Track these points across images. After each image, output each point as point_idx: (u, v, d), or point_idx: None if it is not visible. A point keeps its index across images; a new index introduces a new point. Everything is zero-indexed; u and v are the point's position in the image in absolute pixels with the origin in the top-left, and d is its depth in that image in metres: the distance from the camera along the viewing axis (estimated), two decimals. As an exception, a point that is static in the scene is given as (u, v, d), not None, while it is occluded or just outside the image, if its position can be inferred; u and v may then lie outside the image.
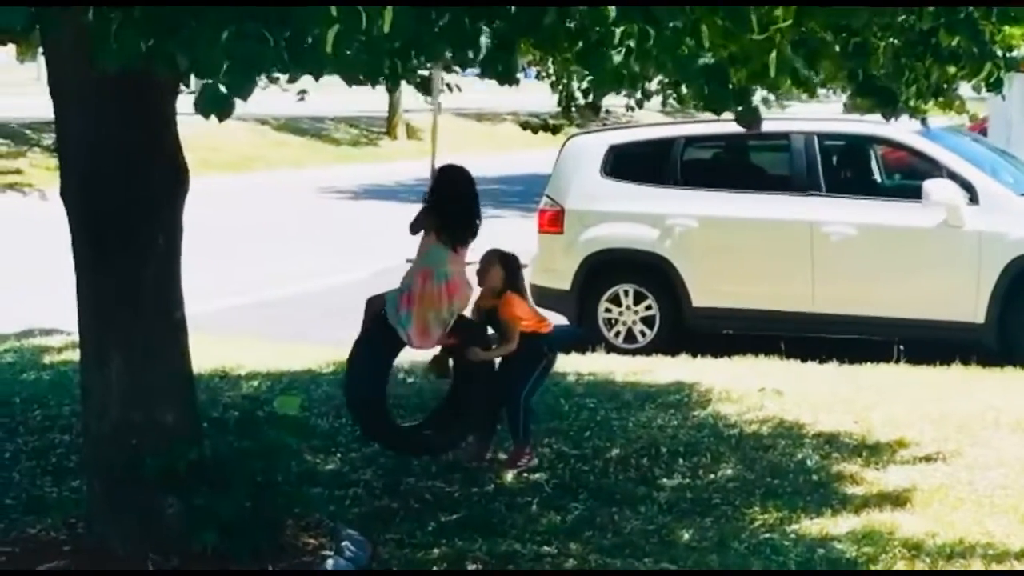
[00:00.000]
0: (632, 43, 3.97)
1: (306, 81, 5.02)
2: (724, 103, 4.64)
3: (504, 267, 7.40)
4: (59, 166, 5.56)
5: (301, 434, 5.72)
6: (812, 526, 6.37)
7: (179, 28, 3.68)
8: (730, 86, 4.61)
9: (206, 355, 8.70)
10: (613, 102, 11.77)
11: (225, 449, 5.60)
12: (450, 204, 7.22)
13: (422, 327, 7.11)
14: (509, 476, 7.14)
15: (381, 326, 7.19)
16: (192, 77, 3.96)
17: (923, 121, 7.05)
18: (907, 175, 11.97)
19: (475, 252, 7.43)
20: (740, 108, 4.72)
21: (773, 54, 4.73)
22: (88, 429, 5.71)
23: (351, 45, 3.67)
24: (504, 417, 7.47)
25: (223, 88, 3.62)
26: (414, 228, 7.30)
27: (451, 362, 7.57)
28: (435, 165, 7.36)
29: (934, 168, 10.76)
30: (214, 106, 3.66)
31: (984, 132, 16.78)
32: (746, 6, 4.46)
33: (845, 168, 11.70)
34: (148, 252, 5.43)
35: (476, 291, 7.36)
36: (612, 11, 3.97)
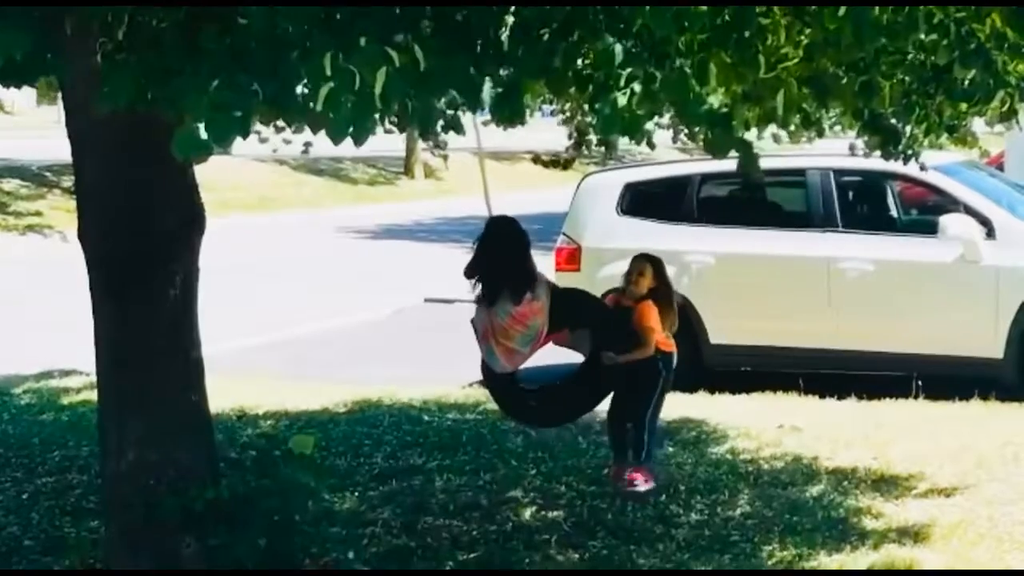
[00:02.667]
0: (637, 86, 3.97)
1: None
2: (726, 149, 4.64)
3: (654, 276, 7.63)
4: (76, 208, 5.60)
5: (318, 473, 5.72)
6: (831, 562, 6.34)
7: (175, 74, 3.69)
8: (733, 133, 4.60)
9: (224, 394, 8.73)
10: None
11: (242, 489, 5.61)
12: (497, 259, 7.21)
13: (506, 352, 7.21)
14: (527, 514, 7.13)
15: (494, 380, 7.41)
16: None
17: (921, 164, 7.06)
18: (924, 210, 11.96)
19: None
20: (742, 156, 4.71)
21: (781, 94, 4.74)
22: (105, 469, 5.73)
23: (342, 103, 3.65)
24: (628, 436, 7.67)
25: (203, 134, 3.61)
26: (468, 274, 7.32)
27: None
28: (490, 206, 7.42)
29: (951, 203, 10.76)
30: (188, 148, 3.65)
31: (1001, 167, 16.76)
32: (753, 42, 4.48)
33: (862, 204, 11.69)
34: (165, 293, 5.45)
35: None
36: (619, 54, 3.98)
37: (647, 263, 7.67)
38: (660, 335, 7.56)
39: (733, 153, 4.97)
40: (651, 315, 7.51)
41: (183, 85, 3.60)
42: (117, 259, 5.44)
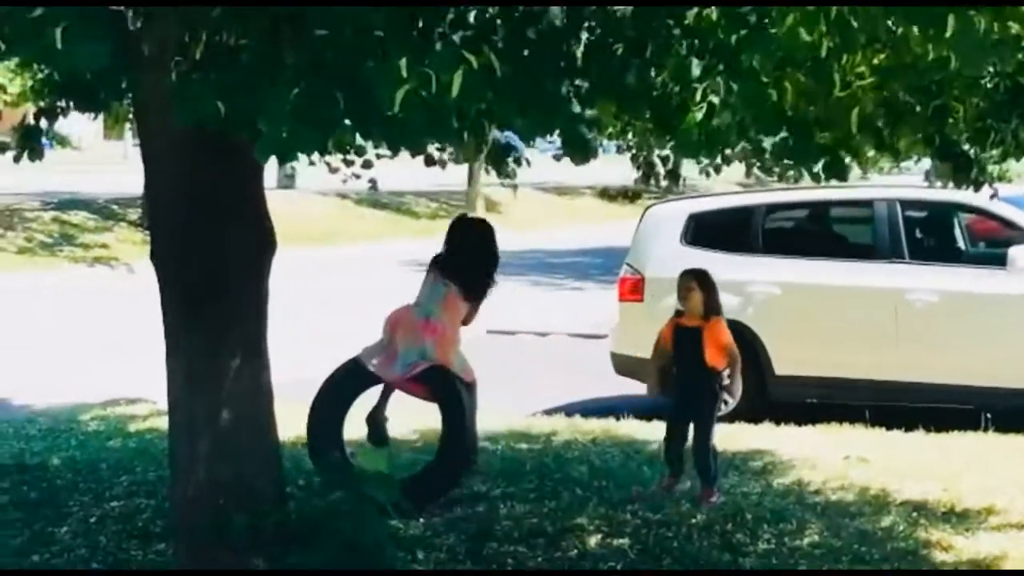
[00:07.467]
0: (715, 98, 3.95)
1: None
2: (809, 156, 4.61)
3: (702, 288, 7.77)
4: (149, 229, 5.64)
5: (390, 493, 5.71)
6: (901, 593, 6.27)
7: (252, 89, 3.72)
8: (814, 139, 4.57)
9: (287, 424, 8.72)
10: (691, 172, 11.87)
11: (310, 510, 5.63)
12: (468, 255, 7.52)
13: (391, 356, 7.31)
14: (592, 541, 7.09)
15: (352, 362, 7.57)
16: None
17: (993, 191, 6.99)
18: (992, 242, 11.85)
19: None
20: (827, 160, 4.67)
21: (855, 112, 4.69)
22: (175, 489, 5.75)
23: (418, 107, 3.67)
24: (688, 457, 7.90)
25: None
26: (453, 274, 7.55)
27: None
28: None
29: (1019, 234, 10.65)
30: (271, 150, 3.68)
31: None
32: (829, 62, 4.44)
33: (929, 235, 11.61)
34: (237, 312, 5.48)
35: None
36: (696, 69, 3.97)
37: (691, 278, 7.86)
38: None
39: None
40: (725, 331, 7.76)
41: (263, 96, 3.62)
42: (190, 279, 5.47)
